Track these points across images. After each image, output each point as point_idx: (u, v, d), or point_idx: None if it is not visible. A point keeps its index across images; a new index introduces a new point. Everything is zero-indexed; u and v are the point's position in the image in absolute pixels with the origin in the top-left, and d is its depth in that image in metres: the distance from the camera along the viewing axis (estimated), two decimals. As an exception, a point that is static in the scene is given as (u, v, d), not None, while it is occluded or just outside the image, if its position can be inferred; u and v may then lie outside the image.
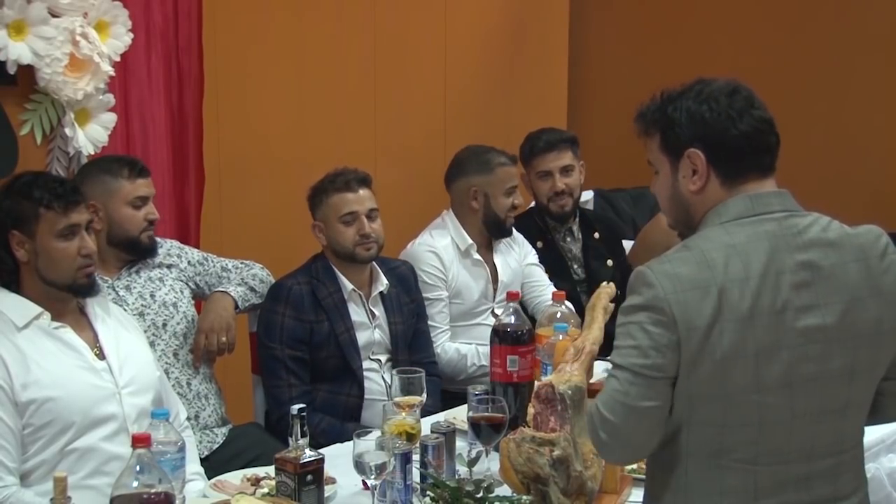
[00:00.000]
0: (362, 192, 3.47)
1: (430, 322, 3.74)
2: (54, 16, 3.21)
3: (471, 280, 3.88)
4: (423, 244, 3.88)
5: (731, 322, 1.89)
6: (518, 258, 4.03)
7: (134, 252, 3.26)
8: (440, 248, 3.86)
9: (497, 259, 3.97)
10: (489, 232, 3.94)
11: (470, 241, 3.90)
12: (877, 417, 2.09)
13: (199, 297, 3.44)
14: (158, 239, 3.39)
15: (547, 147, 4.15)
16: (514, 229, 4.01)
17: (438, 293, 3.81)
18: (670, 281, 1.91)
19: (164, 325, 3.26)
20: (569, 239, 4.25)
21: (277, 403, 3.33)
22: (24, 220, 2.70)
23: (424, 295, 3.75)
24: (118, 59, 3.41)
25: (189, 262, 3.44)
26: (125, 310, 3.17)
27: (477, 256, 3.90)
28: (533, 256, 4.09)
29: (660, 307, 1.90)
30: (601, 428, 1.97)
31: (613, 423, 1.95)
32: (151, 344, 3.19)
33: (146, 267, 3.31)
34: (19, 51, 3.14)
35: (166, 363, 3.24)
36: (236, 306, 3.39)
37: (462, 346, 3.79)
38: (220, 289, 3.43)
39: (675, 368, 1.92)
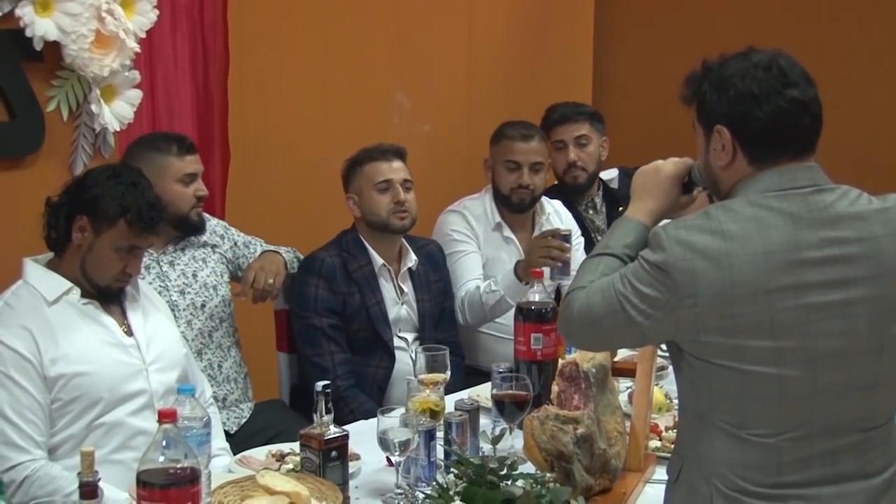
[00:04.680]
0: (396, 163, 3.49)
1: (457, 273, 3.74)
2: (80, -8, 3.22)
3: (499, 255, 3.84)
4: (454, 207, 3.91)
5: (744, 295, 1.88)
6: None
7: (183, 229, 3.27)
8: (469, 211, 3.87)
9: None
10: (502, 206, 3.89)
11: (499, 218, 3.87)
12: None
13: (237, 280, 3.46)
14: (206, 216, 3.42)
15: (562, 118, 4.19)
16: (560, 208, 3.98)
17: (466, 247, 3.80)
18: (681, 247, 1.92)
19: (203, 305, 3.29)
20: (591, 211, 4.25)
21: (322, 372, 3.29)
22: (101, 216, 2.69)
23: (454, 250, 3.76)
24: (144, 35, 3.42)
25: (234, 244, 3.46)
26: (167, 285, 3.19)
27: (508, 234, 3.87)
28: (579, 242, 3.96)
29: (665, 270, 1.92)
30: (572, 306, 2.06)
31: (575, 314, 2.05)
32: (188, 323, 3.22)
33: (191, 246, 3.34)
34: (45, 27, 3.15)
35: (201, 343, 3.26)
36: (285, 266, 3.43)
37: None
38: (270, 248, 3.47)
39: (659, 326, 1.96)
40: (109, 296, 2.78)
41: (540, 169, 3.83)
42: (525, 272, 3.46)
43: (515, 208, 3.85)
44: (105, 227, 2.69)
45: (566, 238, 3.48)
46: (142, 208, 2.70)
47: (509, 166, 3.80)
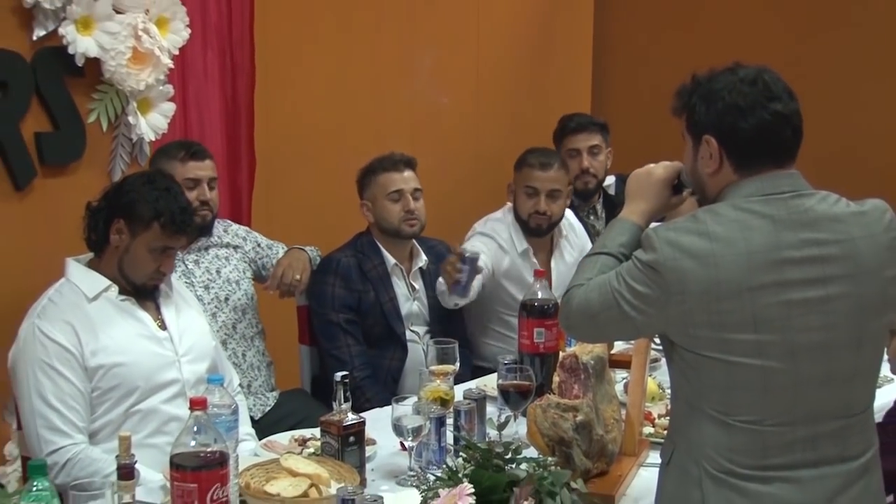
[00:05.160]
0: (407, 173, 3.48)
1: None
2: (118, 12, 3.23)
3: (523, 276, 3.66)
4: (484, 230, 3.74)
5: (729, 292, 1.88)
6: (576, 254, 3.79)
7: None
8: (498, 235, 3.72)
9: (554, 263, 3.78)
10: (522, 230, 3.73)
11: (525, 244, 3.71)
12: None
13: (260, 280, 3.46)
14: (226, 221, 3.41)
15: (578, 128, 4.20)
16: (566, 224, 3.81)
17: (475, 241, 3.65)
18: (671, 248, 1.91)
19: (227, 299, 3.29)
20: (592, 217, 4.26)
21: (340, 364, 3.28)
22: (136, 219, 2.69)
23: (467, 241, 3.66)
24: (177, 52, 3.43)
25: (257, 244, 3.46)
26: (193, 282, 3.19)
27: (533, 259, 3.73)
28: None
29: (656, 269, 1.92)
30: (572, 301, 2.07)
31: (575, 309, 2.06)
32: (213, 315, 3.21)
33: (214, 246, 3.34)
34: (87, 45, 3.16)
35: (225, 334, 3.26)
36: (310, 262, 3.43)
37: None
38: (296, 246, 3.46)
39: (651, 320, 1.96)
40: (145, 293, 2.78)
41: (558, 196, 3.66)
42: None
43: (533, 233, 3.73)
44: (140, 229, 2.69)
45: (468, 261, 3.09)
46: (174, 212, 2.70)
47: (528, 192, 3.66)
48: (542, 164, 3.64)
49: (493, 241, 3.69)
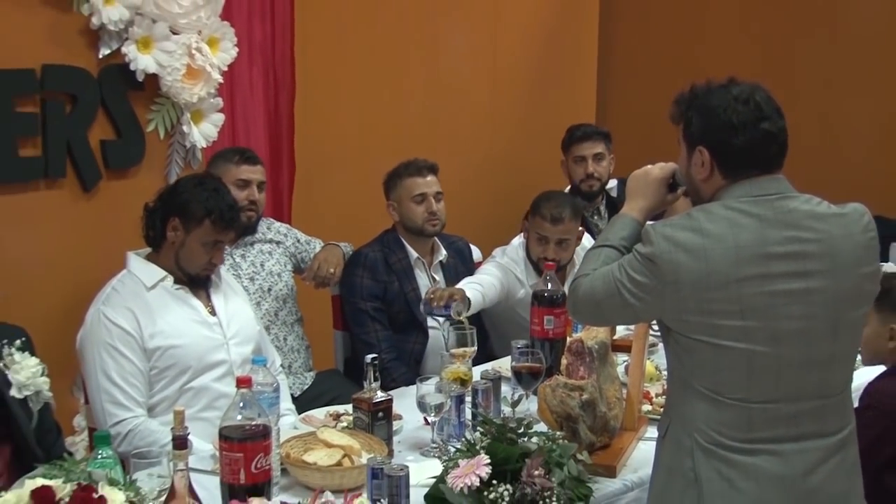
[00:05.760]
0: (430, 178, 3.47)
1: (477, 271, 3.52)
2: (174, 33, 3.23)
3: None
4: (502, 262, 3.56)
5: (718, 282, 1.87)
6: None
7: None
8: (516, 265, 3.57)
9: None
10: (533, 269, 3.54)
11: (536, 280, 3.37)
12: None
13: (299, 272, 3.47)
14: (269, 220, 3.43)
15: (583, 136, 4.20)
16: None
17: (493, 273, 3.45)
18: (667, 242, 1.91)
19: (270, 289, 3.30)
20: (596, 217, 4.25)
21: (369, 347, 3.26)
22: (189, 217, 2.71)
23: (487, 264, 3.55)
24: (226, 68, 3.43)
25: (297, 240, 3.47)
26: (240, 274, 3.21)
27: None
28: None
29: (653, 261, 1.92)
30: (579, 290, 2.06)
31: (581, 296, 2.05)
32: (258, 304, 3.23)
33: (258, 241, 3.35)
34: (146, 62, 3.17)
35: (268, 321, 3.27)
36: (343, 257, 3.43)
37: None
38: (331, 242, 3.47)
39: (649, 307, 1.96)
40: (198, 282, 2.80)
41: (568, 245, 3.47)
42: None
43: (542, 273, 3.35)
44: (194, 226, 2.71)
45: (451, 312, 2.92)
46: (223, 209, 2.72)
47: (539, 239, 3.46)
48: (553, 218, 3.41)
49: (511, 274, 3.56)
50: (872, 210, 2.02)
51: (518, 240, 3.66)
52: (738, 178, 1.96)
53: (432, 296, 2.96)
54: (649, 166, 2.19)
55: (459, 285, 3.20)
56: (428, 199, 3.43)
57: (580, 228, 3.57)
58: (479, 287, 3.27)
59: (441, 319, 2.96)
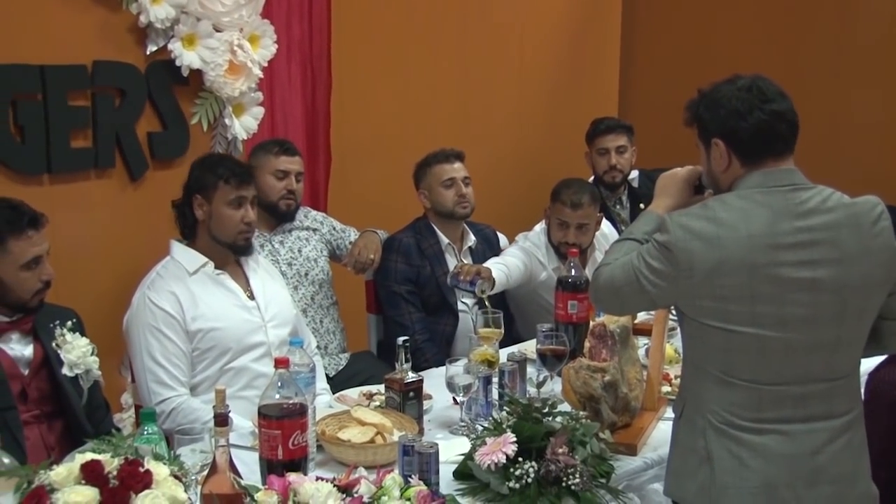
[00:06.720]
0: (457, 164, 3.48)
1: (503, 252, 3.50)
2: (217, 31, 3.24)
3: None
4: (525, 247, 3.54)
5: (731, 269, 1.87)
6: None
7: (273, 215, 3.27)
8: (537, 249, 3.54)
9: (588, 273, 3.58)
10: (554, 253, 3.53)
11: (557, 263, 3.48)
12: (879, 350, 2.08)
13: (335, 258, 3.46)
14: (306, 208, 3.42)
15: (607, 129, 4.16)
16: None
17: (517, 255, 3.45)
18: (682, 230, 1.90)
19: (307, 274, 3.29)
20: (618, 206, 4.21)
21: (402, 329, 3.27)
22: (206, 188, 2.74)
23: (513, 247, 3.53)
24: (265, 64, 3.43)
25: (333, 228, 3.46)
26: (278, 259, 3.21)
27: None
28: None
29: (669, 248, 1.91)
30: (600, 279, 2.05)
31: (603, 285, 2.04)
32: (295, 288, 3.22)
33: (296, 229, 3.34)
34: (191, 58, 3.18)
35: (305, 304, 3.27)
36: (380, 242, 3.42)
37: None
38: (369, 229, 3.45)
39: (664, 293, 1.95)
40: (240, 250, 2.78)
41: (588, 229, 3.46)
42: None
43: (564, 258, 3.41)
44: (212, 193, 2.74)
45: (475, 287, 2.97)
46: (232, 167, 2.76)
47: (560, 224, 3.46)
48: (573, 203, 3.41)
49: (534, 257, 3.53)
50: (886, 201, 1.99)
51: (540, 226, 3.66)
52: (756, 164, 1.94)
53: (460, 269, 2.99)
54: (678, 168, 2.21)
55: (486, 265, 3.20)
56: (457, 183, 3.43)
57: (599, 214, 3.57)
58: (504, 268, 3.27)
59: (468, 301, 2.93)
